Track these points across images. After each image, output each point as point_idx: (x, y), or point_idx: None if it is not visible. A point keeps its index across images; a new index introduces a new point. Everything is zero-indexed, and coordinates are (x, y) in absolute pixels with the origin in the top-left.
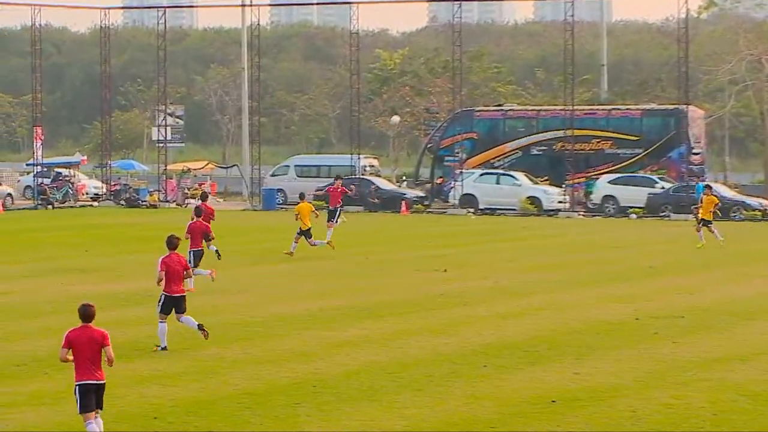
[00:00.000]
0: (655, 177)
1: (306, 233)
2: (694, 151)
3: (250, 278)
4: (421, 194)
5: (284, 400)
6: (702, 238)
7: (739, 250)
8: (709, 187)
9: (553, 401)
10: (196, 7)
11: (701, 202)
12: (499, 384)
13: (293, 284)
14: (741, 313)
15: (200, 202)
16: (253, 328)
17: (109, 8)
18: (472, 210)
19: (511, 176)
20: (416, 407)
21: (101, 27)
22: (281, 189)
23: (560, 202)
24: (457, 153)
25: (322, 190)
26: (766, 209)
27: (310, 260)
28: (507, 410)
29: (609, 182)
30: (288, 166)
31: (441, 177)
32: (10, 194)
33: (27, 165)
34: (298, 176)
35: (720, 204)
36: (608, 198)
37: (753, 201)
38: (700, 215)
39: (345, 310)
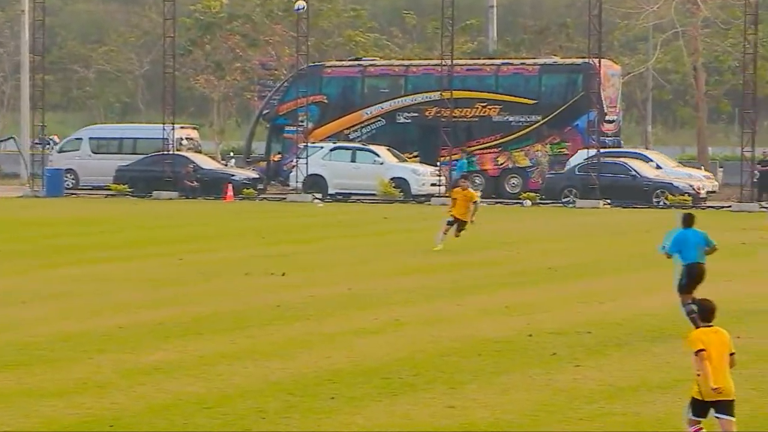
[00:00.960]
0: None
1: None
2: (607, 118)
3: (30, 286)
4: (254, 175)
5: None
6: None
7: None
8: (465, 177)
9: None
10: None
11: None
12: (349, 421)
13: (86, 294)
14: (662, 327)
15: None
16: (33, 350)
17: None
18: (319, 196)
19: (371, 152)
20: None
21: None
22: (71, 169)
23: (433, 184)
24: (301, 122)
25: (125, 173)
26: (697, 193)
27: (105, 263)
28: None
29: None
30: (80, 139)
31: (279, 153)
32: None
33: None
34: (93, 152)
35: (478, 203)
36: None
37: (681, 183)
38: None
39: (151, 326)
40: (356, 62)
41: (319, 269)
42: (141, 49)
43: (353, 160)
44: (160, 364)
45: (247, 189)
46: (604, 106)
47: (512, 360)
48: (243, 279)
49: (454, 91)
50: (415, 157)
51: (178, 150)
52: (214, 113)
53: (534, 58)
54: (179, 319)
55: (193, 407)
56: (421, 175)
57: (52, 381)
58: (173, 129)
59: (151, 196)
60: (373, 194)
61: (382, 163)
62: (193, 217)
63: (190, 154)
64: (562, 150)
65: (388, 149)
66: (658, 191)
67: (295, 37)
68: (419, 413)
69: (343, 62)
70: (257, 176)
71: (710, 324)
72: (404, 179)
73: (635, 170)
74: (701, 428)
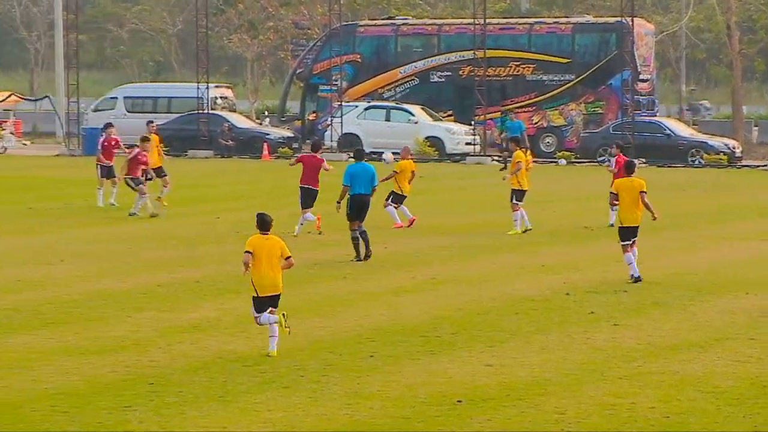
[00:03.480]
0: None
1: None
2: (641, 77)
3: (67, 244)
4: (289, 134)
5: (111, 402)
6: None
7: (698, 206)
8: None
9: (459, 401)
10: None
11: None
12: (389, 379)
13: (124, 252)
14: (699, 286)
15: None
16: (72, 309)
17: None
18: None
19: (405, 110)
20: (283, 409)
21: None
22: None
23: (468, 143)
24: (335, 81)
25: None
26: (733, 152)
27: (142, 222)
28: (399, 412)
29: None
30: (115, 98)
31: (314, 112)
32: None
33: None
34: (128, 111)
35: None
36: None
37: (716, 142)
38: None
39: (189, 285)
40: (389, 21)
41: None
42: (174, 8)
43: (388, 119)
44: (198, 322)
45: (283, 148)
46: (638, 65)
47: (550, 319)
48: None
49: (487, 50)
50: (449, 116)
51: (213, 109)
52: (247, 72)
53: (567, 17)
54: (217, 278)
55: (232, 365)
56: (456, 135)
57: (92, 339)
58: (208, 88)
59: (186, 155)
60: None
61: (416, 122)
62: (229, 175)
63: (226, 113)
64: (596, 109)
65: (422, 108)
66: (693, 150)
67: None
68: (458, 371)
69: (376, 21)
70: (292, 135)
71: (266, 232)
72: (439, 138)
73: (670, 129)
74: None
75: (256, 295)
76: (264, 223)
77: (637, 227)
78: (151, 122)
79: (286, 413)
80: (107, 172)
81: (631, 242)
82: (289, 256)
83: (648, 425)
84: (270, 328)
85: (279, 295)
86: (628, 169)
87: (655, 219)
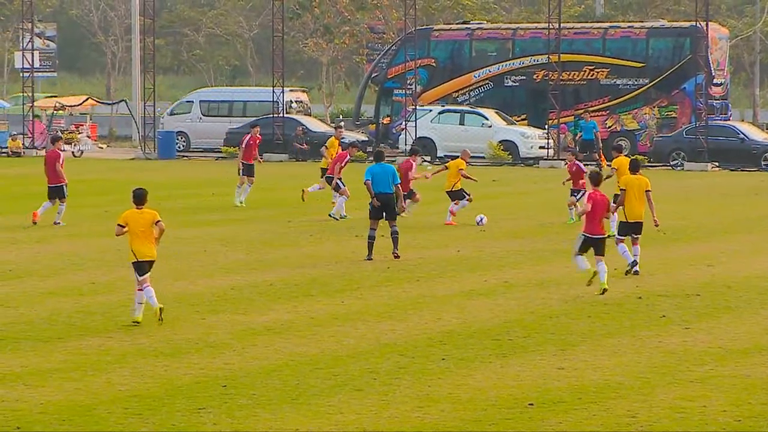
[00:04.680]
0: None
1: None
2: (714, 81)
3: None
4: (363, 138)
5: (185, 404)
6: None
7: None
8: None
9: (531, 404)
10: None
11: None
12: (460, 382)
13: (198, 255)
14: None
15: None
16: (146, 311)
17: None
18: (428, 158)
19: (480, 114)
20: (354, 412)
21: None
22: (183, 132)
23: (542, 147)
24: (410, 85)
25: (235, 136)
26: None
27: (216, 225)
28: (470, 415)
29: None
30: (191, 102)
31: (388, 116)
32: None
33: None
34: (204, 115)
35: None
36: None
37: None
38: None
39: (262, 288)
40: (464, 26)
41: (428, 231)
42: (250, 12)
43: (462, 123)
44: (271, 324)
45: (358, 152)
46: (712, 69)
47: (621, 322)
48: (352, 241)
49: (561, 55)
50: (523, 120)
51: (288, 113)
52: (323, 76)
53: (641, 22)
54: (290, 281)
55: (305, 368)
56: (530, 138)
57: (166, 341)
58: (283, 92)
59: (261, 158)
60: (482, 157)
61: (490, 126)
62: (303, 179)
63: (300, 117)
64: (670, 113)
65: (496, 112)
66: (766, 154)
67: (403, 0)
68: (529, 374)
69: (451, 26)
70: (366, 139)
71: (141, 207)
72: (513, 142)
73: (743, 133)
74: None
75: (135, 260)
76: (138, 198)
77: (641, 223)
78: (340, 127)
79: (357, 416)
80: (248, 170)
81: (631, 238)
82: (159, 221)
83: (719, 429)
84: (140, 297)
85: (154, 261)
86: (634, 168)
87: (657, 225)
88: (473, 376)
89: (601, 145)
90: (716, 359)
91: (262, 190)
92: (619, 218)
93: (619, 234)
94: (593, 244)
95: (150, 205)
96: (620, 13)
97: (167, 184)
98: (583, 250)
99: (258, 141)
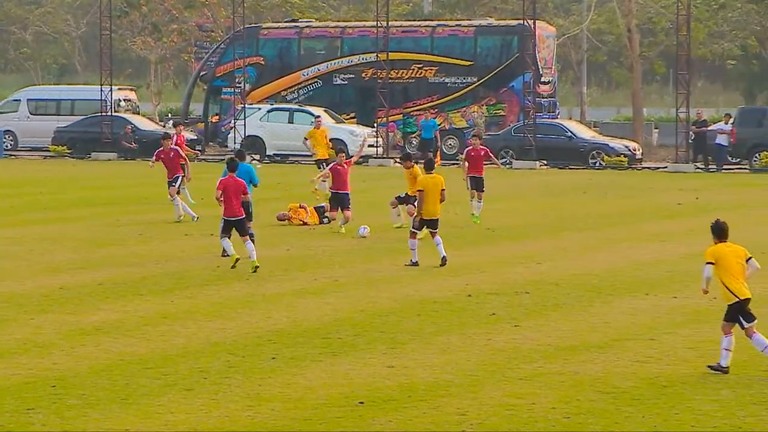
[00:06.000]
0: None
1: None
2: (542, 79)
3: None
4: (192, 136)
5: (13, 404)
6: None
7: (598, 208)
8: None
9: (361, 402)
10: None
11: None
12: (291, 381)
13: (25, 255)
14: (599, 287)
15: None
16: None
17: None
18: (257, 157)
19: (308, 113)
20: (185, 411)
21: None
22: (10, 131)
23: (371, 146)
24: (238, 83)
25: (63, 134)
26: (633, 154)
27: (44, 224)
28: (301, 414)
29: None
30: (18, 100)
31: (217, 114)
32: None
33: None
34: (32, 114)
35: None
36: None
37: (617, 144)
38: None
39: (91, 287)
40: (292, 24)
41: (257, 229)
42: (78, 10)
43: (291, 122)
44: (101, 324)
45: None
46: (540, 67)
47: (451, 320)
48: (182, 240)
49: (390, 53)
50: (352, 118)
51: (116, 111)
52: (151, 75)
53: (469, 20)
54: (119, 280)
55: (134, 367)
56: (359, 137)
57: None
58: (111, 90)
59: (89, 157)
60: (311, 155)
61: None
62: (131, 178)
63: (129, 116)
64: (498, 111)
65: (325, 110)
66: (594, 152)
67: None
68: (359, 373)
69: (280, 24)
70: (195, 137)
71: None
72: (342, 141)
73: (571, 131)
74: None
75: None
76: None
77: (437, 219)
78: (318, 117)
79: (187, 415)
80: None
81: (430, 231)
82: None
83: (548, 426)
84: None
85: None
86: (428, 167)
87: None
88: (303, 374)
89: (440, 144)
90: (545, 356)
91: (90, 189)
92: (416, 216)
93: (417, 229)
94: (235, 224)
95: None
96: (448, 12)
97: None
98: (225, 232)
99: (182, 140)
